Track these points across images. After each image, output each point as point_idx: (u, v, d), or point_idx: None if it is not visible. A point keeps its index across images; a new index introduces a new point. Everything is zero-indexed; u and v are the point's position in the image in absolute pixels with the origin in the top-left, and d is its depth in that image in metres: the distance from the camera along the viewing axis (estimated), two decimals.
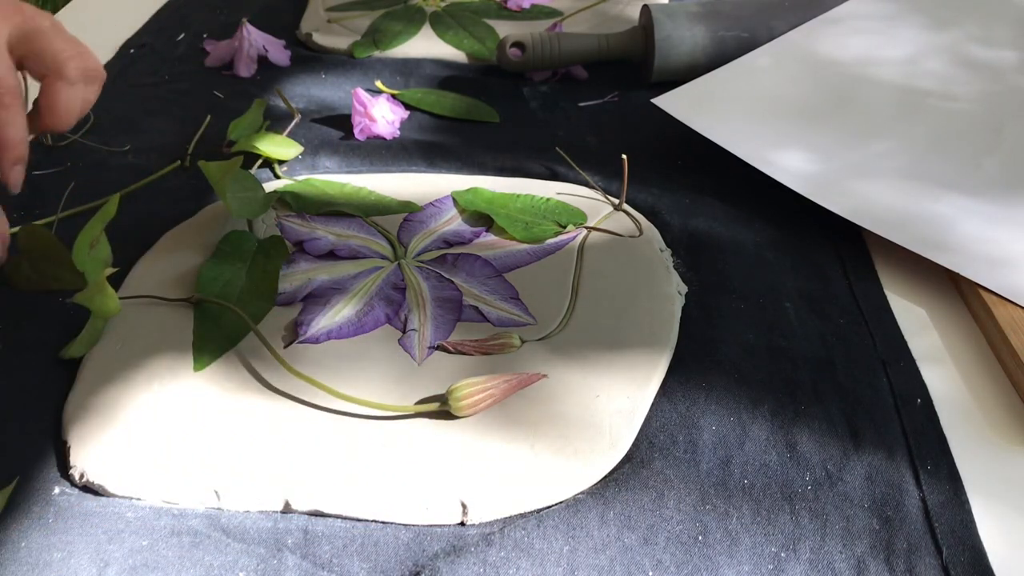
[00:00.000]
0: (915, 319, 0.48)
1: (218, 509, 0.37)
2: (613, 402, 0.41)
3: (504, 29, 0.77)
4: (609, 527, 0.36)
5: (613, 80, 0.71)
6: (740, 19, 0.69)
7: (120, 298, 0.47)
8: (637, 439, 0.40)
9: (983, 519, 0.37)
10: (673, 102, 0.61)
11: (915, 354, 0.45)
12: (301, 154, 0.60)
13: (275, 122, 0.64)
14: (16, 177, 0.44)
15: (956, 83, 0.63)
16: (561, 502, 0.37)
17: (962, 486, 0.38)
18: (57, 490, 0.38)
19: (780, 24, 0.68)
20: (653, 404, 0.42)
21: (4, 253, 0.44)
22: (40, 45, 0.44)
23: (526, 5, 0.81)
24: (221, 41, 0.74)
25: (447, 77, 0.71)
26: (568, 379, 0.42)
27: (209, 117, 0.65)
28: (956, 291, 0.50)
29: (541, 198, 0.54)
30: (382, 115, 0.63)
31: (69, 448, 0.39)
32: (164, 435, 0.40)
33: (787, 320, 0.47)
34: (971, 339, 0.47)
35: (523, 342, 0.44)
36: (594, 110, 0.67)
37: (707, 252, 0.51)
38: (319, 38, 0.76)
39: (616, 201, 0.55)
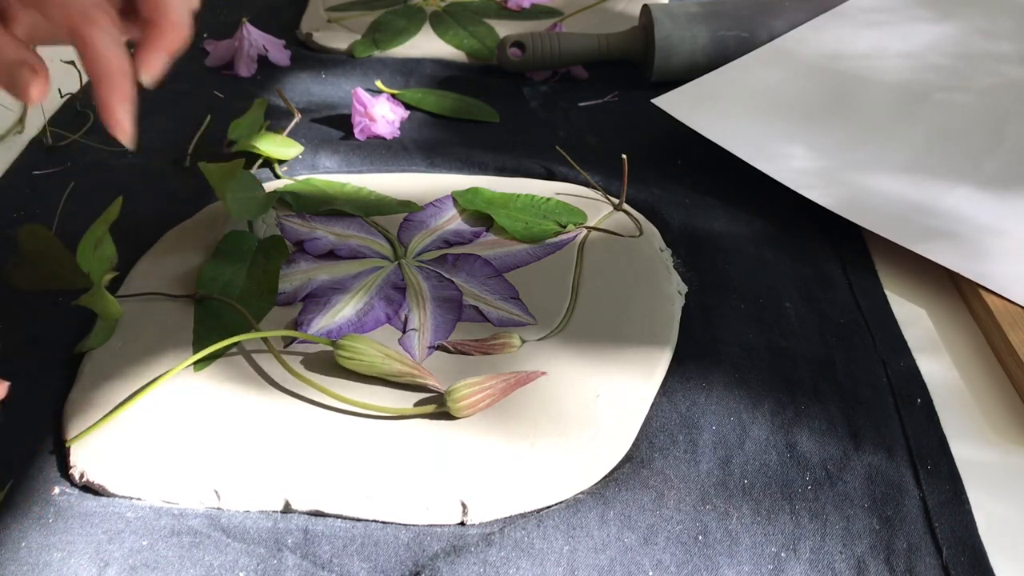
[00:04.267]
0: (915, 319, 0.48)
1: (218, 509, 0.37)
2: (613, 402, 0.41)
3: (504, 29, 0.77)
4: (609, 527, 0.36)
5: (613, 80, 0.71)
6: (740, 19, 0.69)
7: (121, 296, 0.47)
8: (637, 439, 0.40)
9: (983, 519, 0.37)
10: (673, 102, 0.61)
11: (915, 354, 0.45)
12: (301, 154, 0.60)
13: (275, 122, 0.64)
14: (126, 121, 0.34)
15: (957, 79, 0.63)
16: (561, 502, 0.37)
17: (962, 486, 0.38)
18: (57, 490, 0.38)
19: (780, 24, 0.68)
20: (653, 404, 0.42)
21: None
22: None
23: (526, 5, 0.81)
24: (221, 41, 0.74)
25: (447, 77, 0.71)
26: (568, 379, 0.42)
27: (209, 117, 0.65)
28: (956, 291, 0.50)
29: (541, 198, 0.54)
30: (382, 115, 0.63)
31: (69, 448, 0.39)
32: (164, 435, 0.40)
33: (787, 320, 0.47)
34: (971, 339, 0.47)
35: (523, 342, 0.44)
36: (594, 110, 0.67)
37: (707, 252, 0.51)
38: (319, 38, 0.76)
39: (616, 201, 0.55)
